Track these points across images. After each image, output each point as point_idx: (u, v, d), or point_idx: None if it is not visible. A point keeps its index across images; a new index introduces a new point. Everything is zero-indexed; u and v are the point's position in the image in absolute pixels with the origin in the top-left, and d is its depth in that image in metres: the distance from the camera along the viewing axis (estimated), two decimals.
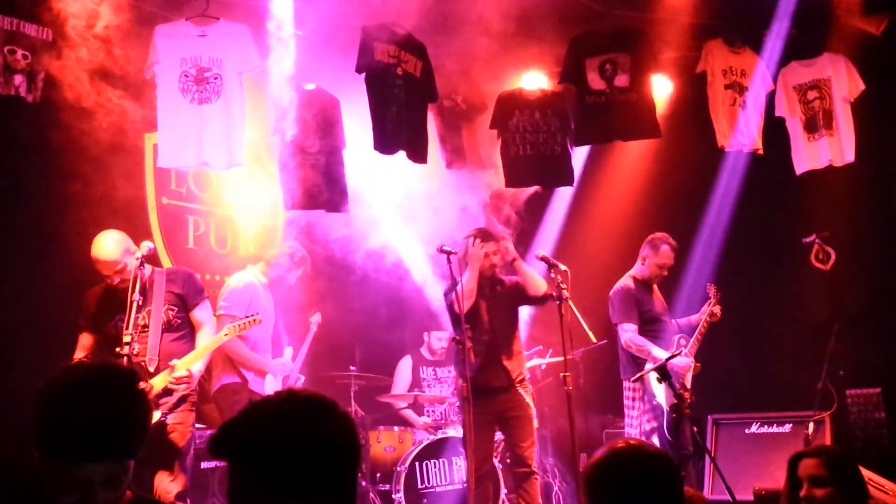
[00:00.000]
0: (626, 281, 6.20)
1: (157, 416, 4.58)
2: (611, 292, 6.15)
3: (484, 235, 5.64)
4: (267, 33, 5.79)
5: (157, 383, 4.65)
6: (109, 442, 2.00)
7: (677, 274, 6.42)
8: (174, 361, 4.69)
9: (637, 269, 6.27)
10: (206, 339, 4.91)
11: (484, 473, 5.42)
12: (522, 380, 5.60)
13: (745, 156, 6.87)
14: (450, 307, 5.54)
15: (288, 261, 6.01)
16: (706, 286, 6.40)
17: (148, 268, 4.91)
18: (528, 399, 5.58)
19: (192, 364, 4.74)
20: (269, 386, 5.68)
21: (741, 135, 6.74)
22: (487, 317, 5.57)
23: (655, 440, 5.76)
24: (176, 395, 4.72)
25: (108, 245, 4.80)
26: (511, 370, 5.53)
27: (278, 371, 5.80)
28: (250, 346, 5.64)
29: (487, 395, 5.41)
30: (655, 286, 6.29)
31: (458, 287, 5.24)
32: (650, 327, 6.04)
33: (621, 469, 2.18)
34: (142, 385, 2.15)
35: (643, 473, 2.17)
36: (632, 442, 2.32)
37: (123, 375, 2.13)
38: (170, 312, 4.87)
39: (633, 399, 5.97)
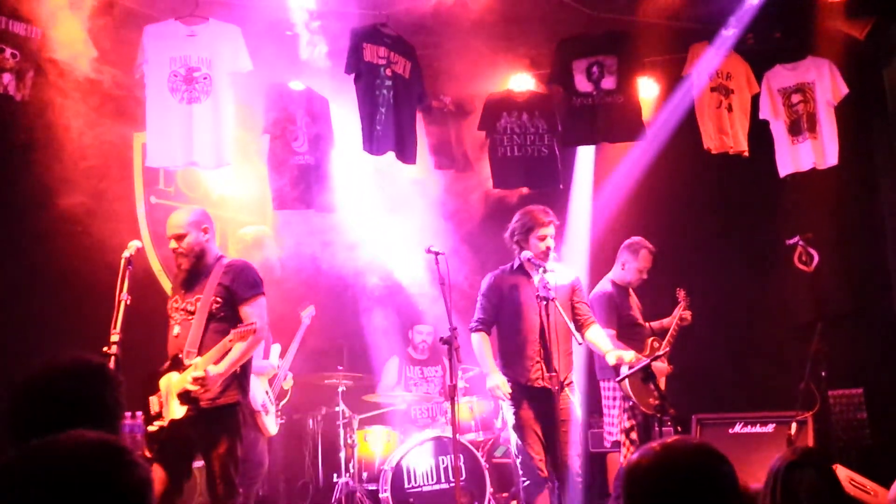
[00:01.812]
0: (605, 285, 6.22)
1: (182, 411, 4.48)
2: (590, 296, 6.16)
3: (537, 221, 5.30)
4: (256, 33, 5.81)
5: (178, 381, 4.55)
6: (81, 423, 2.07)
7: (661, 275, 6.46)
8: (195, 360, 4.56)
9: (617, 275, 6.28)
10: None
11: (539, 480, 5.16)
12: (570, 383, 5.28)
13: (729, 158, 6.92)
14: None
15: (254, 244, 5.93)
16: (675, 290, 6.45)
17: (211, 253, 4.79)
18: (576, 402, 5.27)
19: (208, 364, 4.51)
20: (255, 383, 5.66)
21: (726, 137, 6.80)
22: (538, 313, 5.17)
23: (634, 436, 5.87)
24: (206, 397, 4.55)
25: (181, 212, 4.78)
26: (560, 372, 5.10)
27: (262, 372, 5.76)
28: None
29: (534, 396, 5.20)
30: (632, 290, 6.33)
31: (445, 287, 5.19)
32: (629, 331, 6.09)
33: (660, 471, 1.94)
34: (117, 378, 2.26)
35: (683, 473, 1.93)
36: (668, 441, 2.03)
37: (93, 365, 2.30)
38: (215, 305, 4.68)
39: (613, 399, 6.03)
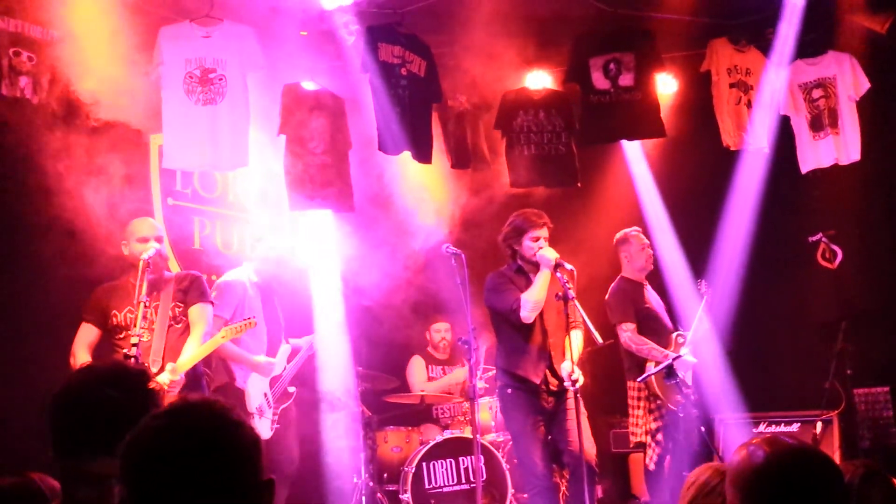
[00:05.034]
0: (617, 283, 6.21)
1: None
2: (606, 296, 6.15)
3: (529, 223, 5.27)
4: (271, 34, 5.81)
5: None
6: (123, 435, 2.04)
7: (684, 272, 6.41)
8: (170, 365, 4.68)
9: (626, 270, 6.23)
10: (196, 341, 4.86)
11: (548, 486, 5.08)
12: (575, 381, 5.09)
13: (749, 155, 6.84)
14: (499, 312, 5.29)
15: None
16: (697, 284, 6.37)
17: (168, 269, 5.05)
18: (579, 398, 5.10)
19: (188, 367, 4.74)
20: (255, 385, 5.64)
21: (746, 134, 6.72)
22: (540, 314, 5.23)
23: (660, 438, 5.76)
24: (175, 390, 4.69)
25: (148, 219, 5.16)
26: (562, 373, 5.13)
27: (265, 371, 5.72)
28: (242, 346, 5.62)
29: (537, 396, 5.17)
30: (647, 283, 6.27)
31: (464, 289, 5.17)
32: (649, 325, 6.04)
33: (788, 475, 1.99)
34: (152, 384, 2.23)
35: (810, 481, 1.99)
36: (790, 442, 2.08)
37: (134, 374, 2.28)
38: (176, 309, 4.91)
39: (639, 399, 5.93)
